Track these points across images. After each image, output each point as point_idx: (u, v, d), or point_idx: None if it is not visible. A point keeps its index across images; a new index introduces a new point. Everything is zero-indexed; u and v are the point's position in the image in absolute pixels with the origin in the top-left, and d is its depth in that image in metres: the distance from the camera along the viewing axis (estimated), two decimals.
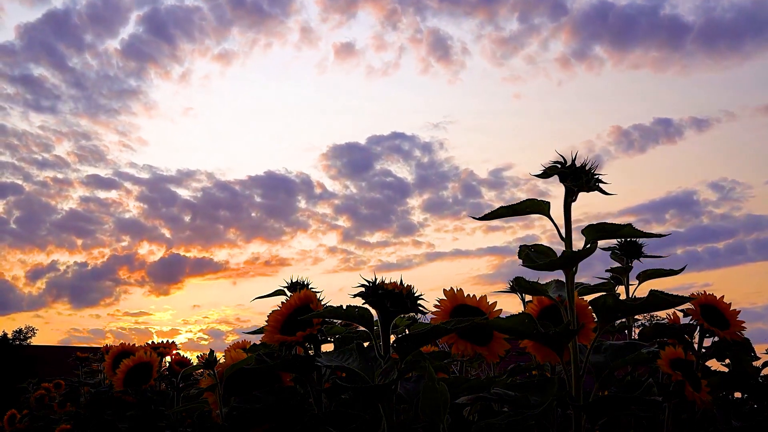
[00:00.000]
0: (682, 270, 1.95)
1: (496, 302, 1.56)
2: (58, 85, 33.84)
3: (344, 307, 1.45)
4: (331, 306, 1.51)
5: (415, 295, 1.42)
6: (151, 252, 34.19)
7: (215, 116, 40.08)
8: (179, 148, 40.28)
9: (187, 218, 34.76)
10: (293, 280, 1.97)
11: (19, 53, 32.49)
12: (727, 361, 1.99)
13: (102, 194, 35.09)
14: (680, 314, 1.85)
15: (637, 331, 2.06)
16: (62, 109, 34.63)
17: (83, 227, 34.14)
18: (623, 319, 2.11)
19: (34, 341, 25.94)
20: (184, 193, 37.00)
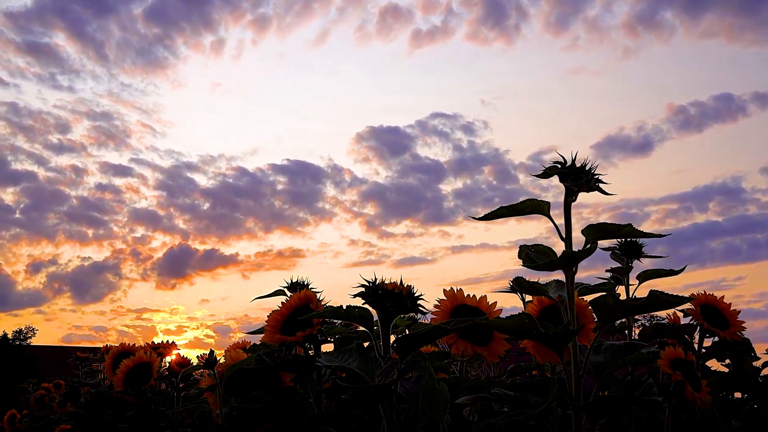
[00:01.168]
0: (682, 270, 1.95)
1: (496, 302, 1.56)
2: (75, 58, 31.76)
3: (344, 308, 1.45)
4: (331, 306, 1.51)
5: (415, 295, 1.42)
6: (164, 244, 32.76)
7: (244, 94, 37.48)
8: (204, 130, 38.59)
9: (204, 208, 33.22)
10: (293, 280, 1.97)
11: (33, 19, 30.35)
12: (727, 361, 1.99)
13: (118, 181, 33.56)
14: (680, 314, 1.85)
15: (637, 331, 2.06)
16: (80, 86, 32.84)
17: (95, 218, 32.65)
18: (623, 319, 2.11)
19: (34, 341, 25.90)
20: (203, 180, 35.47)
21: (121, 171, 33.29)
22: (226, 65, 34.87)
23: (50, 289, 30.24)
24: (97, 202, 32.64)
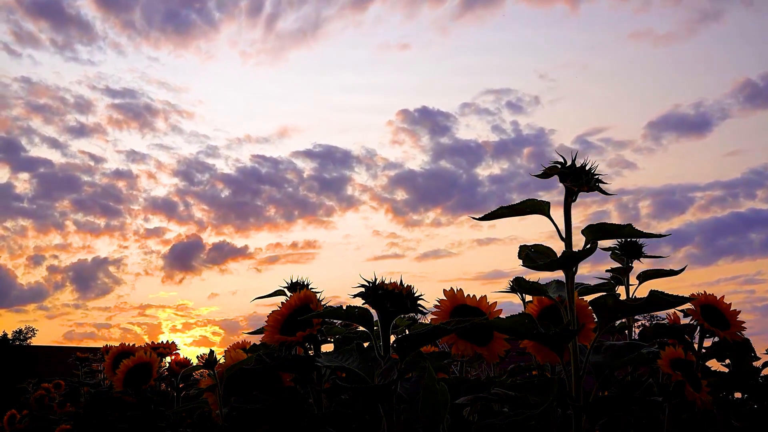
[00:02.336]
0: (682, 270, 1.95)
1: (496, 302, 1.55)
2: (96, 24, 29.48)
3: (344, 308, 1.44)
4: (330, 306, 1.51)
5: (415, 295, 1.42)
6: (178, 236, 31.05)
7: (277, 68, 33.79)
8: (232, 108, 35.73)
9: (224, 196, 31.27)
10: (293, 280, 1.96)
11: None
12: (727, 361, 1.99)
13: (136, 168, 31.63)
14: (680, 314, 1.85)
15: (637, 331, 2.06)
16: (100, 58, 30.84)
17: (108, 207, 30.88)
18: (623, 320, 2.11)
19: (35, 341, 25.76)
20: (226, 166, 33.37)
21: (141, 157, 31.49)
22: (259, 36, 31.90)
23: (54, 283, 29.23)
24: (111, 190, 31.22)
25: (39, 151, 31.24)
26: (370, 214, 31.77)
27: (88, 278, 29.63)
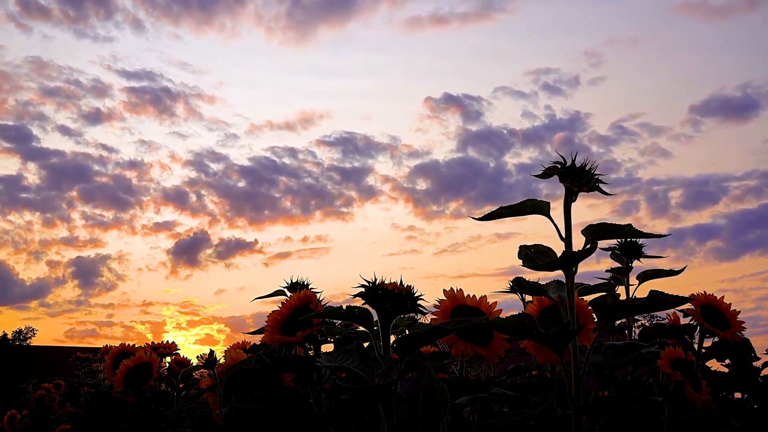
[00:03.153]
0: (682, 270, 1.95)
1: (496, 302, 1.56)
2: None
3: (344, 308, 1.45)
4: (330, 306, 1.51)
5: (415, 295, 1.42)
6: (189, 230, 28.86)
7: (303, 48, 31.05)
8: (253, 94, 33.91)
9: (238, 188, 28.92)
10: (293, 280, 1.96)
11: None
12: (727, 361, 1.99)
13: (150, 157, 29.52)
14: (680, 314, 1.85)
15: (637, 331, 2.06)
16: (116, 36, 27.87)
17: (118, 199, 28.59)
18: (623, 320, 2.11)
19: (35, 341, 25.61)
20: (243, 156, 31.47)
21: (155, 146, 29.04)
22: (285, 11, 29.03)
23: (58, 279, 28.11)
24: (121, 181, 28.92)
25: (49, 139, 30.04)
26: (390, 205, 29.72)
27: (92, 274, 28.53)
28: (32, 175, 29.48)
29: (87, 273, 28.15)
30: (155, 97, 28.58)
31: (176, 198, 29.02)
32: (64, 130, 28.04)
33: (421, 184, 28.81)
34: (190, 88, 29.21)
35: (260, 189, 29.19)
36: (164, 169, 30.25)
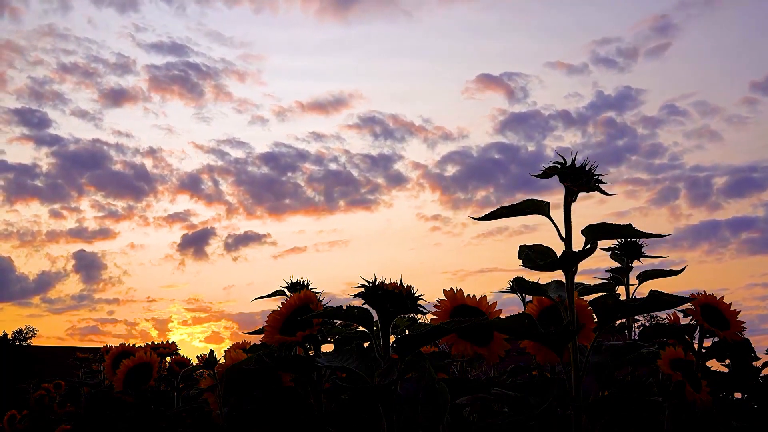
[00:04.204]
0: (682, 270, 1.95)
1: (496, 302, 1.56)
2: None
3: (344, 308, 1.45)
4: (330, 306, 1.51)
5: (415, 295, 1.42)
6: (203, 221, 27.56)
7: (340, 22, 29.39)
8: (288, 71, 31.24)
9: (258, 177, 27.34)
10: (293, 280, 1.96)
11: None
12: (727, 361, 1.99)
13: (168, 143, 28.66)
14: (680, 314, 1.85)
15: (637, 331, 2.06)
16: (145, 6, 27.14)
17: (131, 188, 26.98)
18: (623, 320, 2.11)
19: (35, 341, 25.39)
20: (268, 141, 29.99)
21: (176, 129, 27.77)
22: None
23: (62, 274, 26.94)
24: (136, 169, 27.16)
25: (63, 122, 28.73)
26: (416, 193, 27.90)
27: (96, 268, 27.36)
28: (42, 162, 28.09)
29: (91, 267, 27.39)
30: (180, 73, 26.89)
31: (192, 187, 27.59)
32: (80, 113, 26.73)
33: (451, 171, 27.06)
34: (218, 62, 27.62)
35: (282, 177, 27.67)
36: (183, 156, 29.10)
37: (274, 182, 27.42)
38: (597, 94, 26.74)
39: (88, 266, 27.11)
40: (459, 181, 27.07)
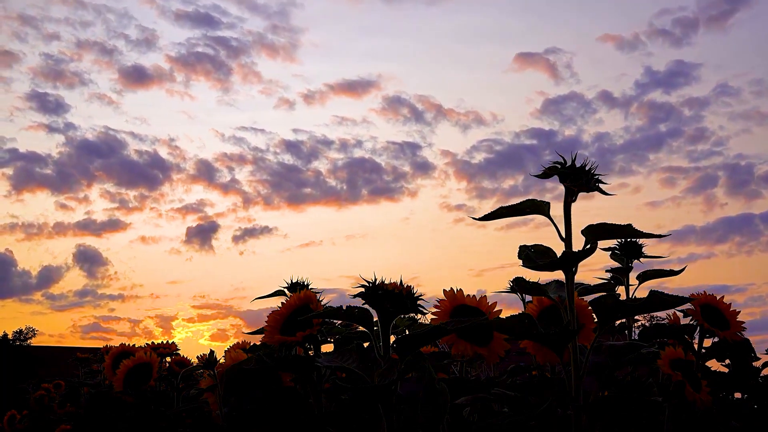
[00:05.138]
0: (682, 270, 1.95)
1: (495, 302, 1.55)
2: None
3: (344, 308, 1.45)
4: (330, 306, 1.51)
5: (415, 295, 1.42)
6: (216, 213, 25.80)
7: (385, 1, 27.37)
8: (319, 49, 28.25)
9: (277, 167, 25.33)
10: (293, 280, 1.96)
11: None
12: (727, 361, 1.99)
13: (185, 131, 26.89)
14: (680, 315, 1.85)
15: (637, 331, 2.06)
16: None
17: (144, 177, 25.15)
18: (623, 320, 2.11)
19: (35, 342, 25.17)
20: (293, 128, 26.69)
21: (198, 117, 26.11)
22: None
23: (65, 269, 25.53)
24: (151, 158, 25.20)
25: (75, 106, 26.03)
26: (442, 182, 25.67)
27: (101, 263, 26.17)
28: (51, 150, 26.87)
29: (96, 261, 26.47)
30: (207, 49, 24.53)
31: (208, 176, 25.69)
32: (95, 96, 25.01)
33: (480, 158, 24.81)
34: (249, 35, 25.37)
35: (303, 165, 25.63)
36: (201, 144, 27.46)
37: (294, 171, 25.55)
38: (646, 71, 24.40)
39: (92, 260, 26.19)
40: (487, 169, 24.86)
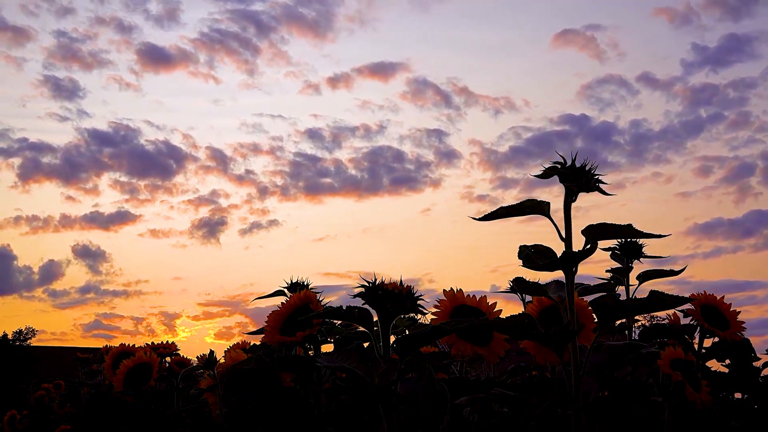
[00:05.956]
0: (682, 270, 1.95)
1: (496, 302, 1.56)
2: None
3: (344, 308, 1.44)
4: (330, 306, 1.51)
5: (415, 295, 1.42)
6: (233, 206, 24.46)
7: None
8: (354, 30, 26.52)
9: (295, 157, 24.34)
10: (293, 281, 1.96)
11: None
12: (727, 361, 1.99)
13: (203, 117, 25.28)
14: (680, 315, 1.85)
15: (637, 331, 2.06)
16: None
17: (158, 166, 24.20)
18: (623, 320, 2.11)
19: (34, 342, 25.08)
20: (313, 115, 26.59)
21: (217, 98, 24.58)
22: None
23: (67, 265, 25.19)
24: (165, 147, 24.03)
25: (88, 90, 24.58)
26: (469, 172, 24.62)
27: (104, 258, 25.48)
28: (60, 138, 25.81)
29: (99, 257, 25.66)
30: (235, 28, 23.19)
31: (222, 166, 24.74)
32: (110, 81, 23.82)
33: (507, 145, 23.70)
34: (279, 7, 24.30)
35: (323, 154, 24.84)
36: (218, 131, 26.43)
37: (313, 160, 24.49)
38: (694, 48, 22.72)
39: (95, 256, 25.63)
40: (515, 158, 23.47)
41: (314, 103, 28.11)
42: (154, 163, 24.74)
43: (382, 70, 25.44)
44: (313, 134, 24.80)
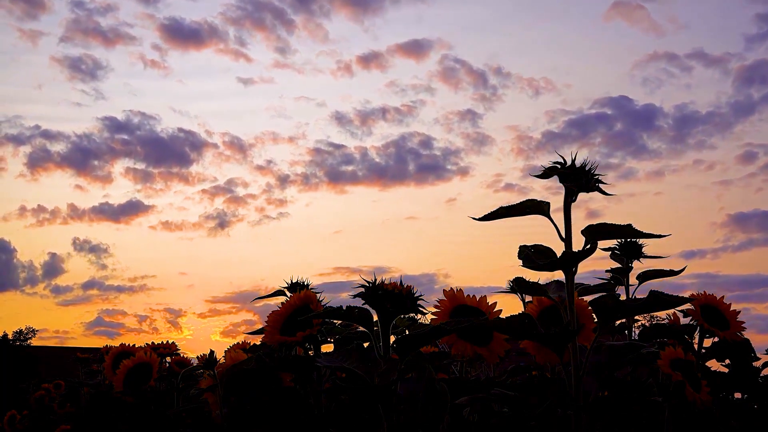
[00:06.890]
0: (682, 270, 1.95)
1: (496, 302, 1.56)
2: None
3: (344, 308, 1.45)
4: (330, 306, 1.51)
5: (415, 295, 1.42)
6: (251, 196, 23.71)
7: None
8: (389, 12, 25.70)
9: (315, 144, 23.51)
10: (293, 281, 1.96)
11: None
12: (727, 361, 1.99)
13: (226, 101, 23.89)
14: (680, 315, 1.85)
15: (637, 331, 2.06)
16: None
17: (172, 155, 23.35)
18: (623, 320, 2.11)
19: (35, 342, 25.03)
20: (341, 98, 25.45)
21: (246, 79, 22.82)
22: None
23: (69, 262, 24.83)
24: (183, 135, 23.29)
25: (107, 69, 23.60)
26: (500, 159, 23.58)
27: (109, 253, 25.02)
28: (71, 126, 25.18)
29: (105, 251, 24.92)
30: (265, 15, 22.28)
31: (241, 154, 23.77)
32: (132, 64, 22.93)
33: (542, 130, 22.69)
34: None
35: (348, 141, 23.65)
36: (240, 118, 25.39)
37: (338, 147, 23.53)
38: (756, 19, 21.14)
39: (100, 250, 24.91)
40: (551, 143, 22.82)
41: (344, 84, 26.50)
42: (170, 151, 23.87)
43: (416, 48, 24.21)
44: (340, 117, 23.83)
